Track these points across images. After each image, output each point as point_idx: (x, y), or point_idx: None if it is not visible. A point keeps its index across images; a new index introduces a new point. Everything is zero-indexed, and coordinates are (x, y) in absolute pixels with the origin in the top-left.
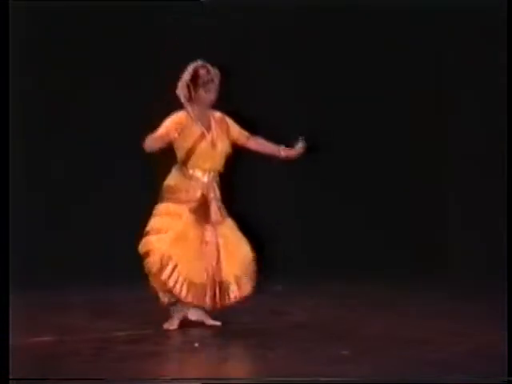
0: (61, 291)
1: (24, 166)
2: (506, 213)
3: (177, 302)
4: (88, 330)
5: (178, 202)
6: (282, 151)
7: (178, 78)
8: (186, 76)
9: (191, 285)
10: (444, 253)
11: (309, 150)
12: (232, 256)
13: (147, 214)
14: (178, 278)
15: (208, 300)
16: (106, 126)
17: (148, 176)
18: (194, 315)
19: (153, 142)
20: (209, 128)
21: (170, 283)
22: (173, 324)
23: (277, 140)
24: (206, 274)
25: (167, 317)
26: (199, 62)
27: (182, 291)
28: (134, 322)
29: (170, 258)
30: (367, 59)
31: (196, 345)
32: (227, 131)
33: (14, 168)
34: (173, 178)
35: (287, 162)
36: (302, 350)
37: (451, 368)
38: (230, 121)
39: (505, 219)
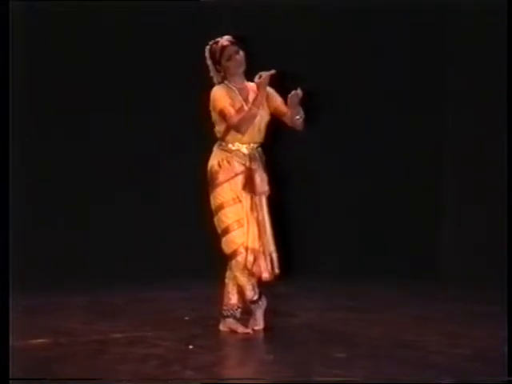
0: (60, 292)
1: (24, 165)
2: (506, 213)
3: (259, 298)
4: (86, 331)
5: (226, 180)
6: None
7: None
8: (206, 53)
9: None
10: (444, 255)
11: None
12: (267, 230)
13: (144, 214)
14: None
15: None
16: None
17: (147, 175)
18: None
19: (246, 120)
20: (247, 100)
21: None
22: (259, 324)
23: None
24: (262, 247)
25: (165, 318)
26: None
27: (268, 274)
28: (133, 323)
29: (254, 249)
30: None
31: (190, 347)
32: (267, 99)
33: (14, 167)
34: (215, 157)
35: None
36: (302, 351)
37: (451, 370)
38: (270, 89)
39: (505, 219)
